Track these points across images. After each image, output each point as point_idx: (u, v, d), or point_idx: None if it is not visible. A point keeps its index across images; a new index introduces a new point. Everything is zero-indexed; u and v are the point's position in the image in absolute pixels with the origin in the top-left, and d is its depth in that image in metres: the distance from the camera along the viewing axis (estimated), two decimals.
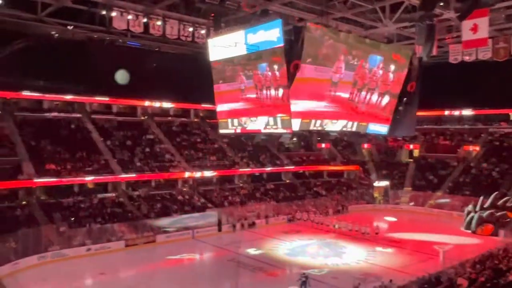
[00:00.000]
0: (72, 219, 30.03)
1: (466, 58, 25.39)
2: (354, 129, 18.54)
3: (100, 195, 34.07)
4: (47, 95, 39.73)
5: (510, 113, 51.03)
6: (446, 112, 54.56)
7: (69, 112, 41.48)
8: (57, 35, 24.22)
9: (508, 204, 34.33)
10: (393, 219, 39.85)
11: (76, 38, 24.58)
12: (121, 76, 40.09)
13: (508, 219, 33.22)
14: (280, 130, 16.67)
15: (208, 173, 40.79)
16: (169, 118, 48.26)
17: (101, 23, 21.75)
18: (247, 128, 18.60)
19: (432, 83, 33.93)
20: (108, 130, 41.50)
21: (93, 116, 42.35)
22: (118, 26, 21.02)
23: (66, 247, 27.47)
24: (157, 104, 46.77)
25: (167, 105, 47.81)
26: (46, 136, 36.51)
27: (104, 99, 43.23)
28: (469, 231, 34.25)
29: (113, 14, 20.59)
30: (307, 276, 20.20)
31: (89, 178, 34.14)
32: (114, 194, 34.84)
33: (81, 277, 23.76)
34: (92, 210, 31.94)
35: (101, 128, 41.18)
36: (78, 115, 41.36)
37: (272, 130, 17.13)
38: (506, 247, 23.38)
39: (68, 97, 40.75)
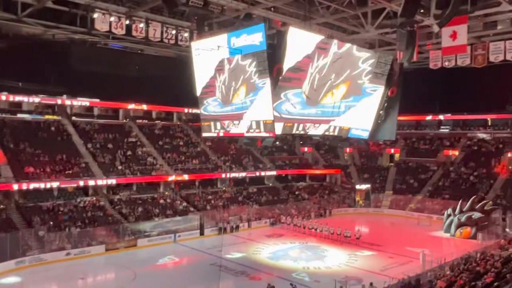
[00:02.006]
0: (51, 223, 29.51)
1: (446, 64, 25.95)
2: (336, 133, 18.70)
3: (80, 199, 33.56)
4: (26, 97, 38.94)
5: (488, 119, 52.22)
6: (428, 118, 55.43)
7: (49, 114, 40.82)
8: (37, 36, 23.93)
9: (486, 208, 35.01)
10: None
11: (57, 39, 24.31)
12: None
13: (486, 223, 33.87)
14: (263, 134, 16.72)
15: (190, 177, 40.57)
16: (152, 121, 47.91)
17: (83, 24, 21.58)
18: (230, 132, 18.60)
19: (413, 89, 34.49)
20: (89, 132, 40.92)
21: (74, 118, 41.73)
22: (100, 27, 20.88)
23: (44, 251, 26.96)
24: (139, 107, 46.38)
25: (149, 108, 47.44)
26: (25, 138, 35.84)
27: (85, 101, 42.59)
28: (449, 234, 34.81)
29: (95, 15, 20.45)
30: (273, 286, 19.95)
31: (69, 181, 33.55)
32: (94, 198, 34.35)
33: (60, 282, 23.33)
34: (72, 214, 31.44)
35: (82, 131, 40.59)
36: (59, 118, 40.72)
37: (255, 134, 17.16)
38: (483, 250, 23.85)
39: (48, 99, 40.03)
